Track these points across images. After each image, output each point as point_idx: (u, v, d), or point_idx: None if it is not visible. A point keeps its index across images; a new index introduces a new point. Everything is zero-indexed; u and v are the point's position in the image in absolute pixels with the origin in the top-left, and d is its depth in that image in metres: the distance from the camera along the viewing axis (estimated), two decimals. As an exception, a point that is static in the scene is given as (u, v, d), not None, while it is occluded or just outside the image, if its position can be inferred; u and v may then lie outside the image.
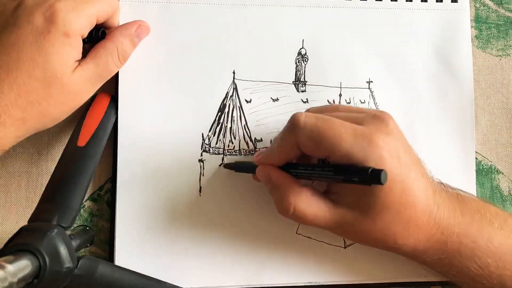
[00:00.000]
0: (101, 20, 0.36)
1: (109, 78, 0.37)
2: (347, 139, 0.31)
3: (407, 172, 0.31)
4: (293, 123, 0.33)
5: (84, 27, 0.34)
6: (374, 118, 0.32)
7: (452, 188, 0.36)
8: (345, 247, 0.40)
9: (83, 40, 0.36)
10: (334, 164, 0.31)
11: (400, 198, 0.31)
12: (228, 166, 0.39)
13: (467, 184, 0.41)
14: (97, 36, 0.37)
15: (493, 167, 0.43)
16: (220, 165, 0.39)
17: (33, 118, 0.33)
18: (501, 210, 0.36)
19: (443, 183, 0.36)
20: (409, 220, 0.32)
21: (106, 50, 0.36)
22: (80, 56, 0.35)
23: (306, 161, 0.35)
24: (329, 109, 0.36)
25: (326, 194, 0.34)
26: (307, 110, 0.37)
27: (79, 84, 0.35)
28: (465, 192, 0.36)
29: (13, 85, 0.32)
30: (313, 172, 0.32)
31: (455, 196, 0.35)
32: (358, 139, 0.31)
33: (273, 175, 0.34)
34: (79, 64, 0.35)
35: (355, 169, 0.29)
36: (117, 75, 0.39)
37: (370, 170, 0.28)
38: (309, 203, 0.33)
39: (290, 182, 0.33)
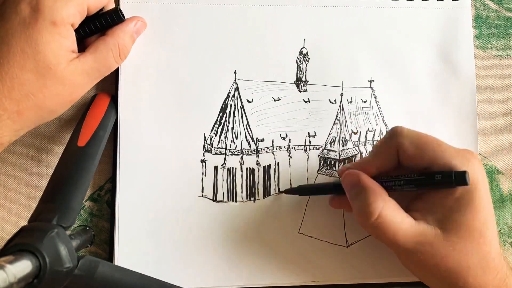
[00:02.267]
0: (93, 9, 0.36)
1: (107, 74, 0.37)
2: (450, 151, 0.32)
3: (488, 205, 0.32)
4: (395, 131, 0.34)
5: (73, 16, 0.34)
6: (462, 149, 0.34)
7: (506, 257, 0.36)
8: (347, 246, 0.40)
9: (106, 22, 0.36)
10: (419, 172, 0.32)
11: (482, 228, 0.31)
12: (290, 192, 0.39)
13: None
14: (118, 16, 0.36)
15: (493, 167, 0.43)
16: (280, 192, 0.39)
17: (29, 111, 0.33)
18: None
19: None
20: (484, 257, 0.31)
21: (106, 45, 0.36)
22: (75, 46, 0.35)
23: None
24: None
25: (407, 210, 0.33)
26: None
27: (75, 76, 0.34)
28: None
29: (5, 78, 0.32)
30: (398, 180, 0.33)
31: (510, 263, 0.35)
32: (460, 154, 0.32)
33: (363, 178, 0.33)
34: (77, 56, 0.35)
35: (440, 172, 0.31)
36: (117, 75, 0.39)
37: (455, 172, 0.31)
38: (394, 212, 0.32)
39: (380, 188, 0.33)
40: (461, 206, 0.31)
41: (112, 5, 0.38)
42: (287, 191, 0.39)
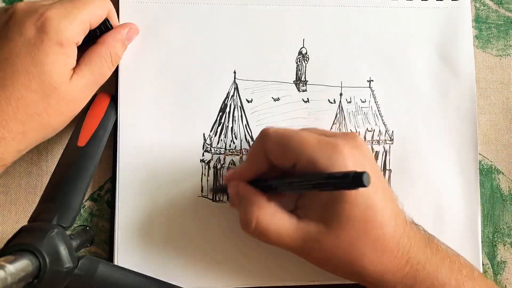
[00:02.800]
0: (94, 25, 0.36)
1: (103, 82, 0.37)
2: (313, 144, 0.31)
3: (373, 189, 0.31)
4: (262, 133, 0.33)
5: (78, 34, 0.34)
6: (343, 134, 0.33)
7: (424, 230, 0.35)
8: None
9: (94, 33, 0.36)
10: (316, 172, 0.30)
11: (365, 213, 0.30)
12: (215, 191, 0.39)
13: (470, 183, 0.41)
14: (106, 27, 0.37)
15: (493, 167, 0.43)
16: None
17: (33, 131, 0.33)
18: (469, 262, 0.35)
19: (415, 223, 0.35)
20: (376, 241, 0.31)
21: (99, 55, 0.36)
22: (75, 63, 0.35)
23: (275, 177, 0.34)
24: (304, 129, 0.35)
25: (292, 212, 0.33)
26: None
27: (76, 92, 0.34)
28: (437, 238, 0.35)
29: (10, 99, 0.32)
30: (286, 182, 0.31)
31: (427, 236, 0.34)
32: (322, 146, 0.30)
33: (240, 188, 0.34)
34: (74, 71, 0.35)
35: (336, 174, 0.29)
36: (117, 75, 0.39)
37: (352, 173, 0.27)
38: (272, 217, 0.32)
39: (256, 195, 0.33)
40: (337, 197, 0.30)
41: (115, 16, 0.38)
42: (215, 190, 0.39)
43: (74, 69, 0.35)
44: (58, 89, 0.33)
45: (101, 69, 0.36)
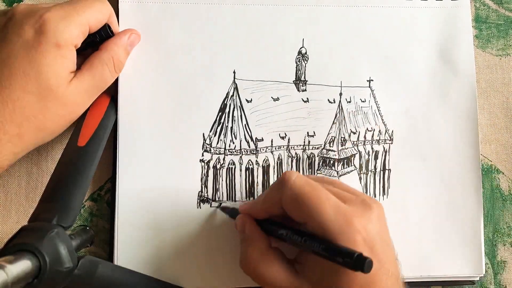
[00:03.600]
0: (94, 29, 0.36)
1: (105, 88, 0.37)
2: (327, 211, 0.30)
3: (377, 266, 0.30)
4: (283, 180, 0.32)
5: (76, 37, 0.34)
6: (362, 203, 0.32)
7: None
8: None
9: (94, 38, 0.35)
10: (323, 239, 0.30)
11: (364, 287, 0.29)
12: (222, 209, 0.39)
13: (472, 182, 0.41)
14: (106, 32, 0.36)
15: (493, 167, 0.43)
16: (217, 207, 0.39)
17: (30, 133, 0.33)
18: None
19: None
20: None
21: (101, 61, 0.36)
22: (74, 67, 0.35)
23: (289, 223, 0.33)
24: (325, 180, 0.35)
25: (291, 262, 0.33)
26: (306, 175, 0.36)
27: (75, 95, 0.34)
28: None
29: (7, 101, 0.32)
30: (291, 237, 0.31)
31: None
32: (338, 215, 0.30)
33: (247, 227, 0.34)
34: (75, 75, 0.34)
35: (342, 248, 0.28)
36: (117, 75, 0.39)
37: (356, 255, 0.27)
38: (271, 267, 0.32)
39: (260, 239, 0.33)
40: (337, 269, 0.29)
41: (115, 20, 0.38)
42: (222, 209, 0.39)
43: (75, 73, 0.35)
44: (55, 91, 0.33)
45: (102, 74, 0.36)
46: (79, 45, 0.35)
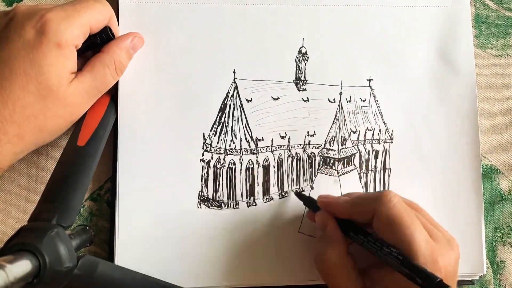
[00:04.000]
0: (94, 30, 0.36)
1: (106, 90, 0.37)
2: (420, 243, 0.31)
3: None
4: (383, 198, 0.33)
5: (77, 37, 0.34)
6: (448, 242, 0.33)
7: None
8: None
9: (95, 40, 0.36)
10: (408, 256, 0.31)
11: None
12: (298, 195, 0.39)
13: (473, 182, 0.41)
14: (107, 35, 0.37)
15: (493, 167, 0.43)
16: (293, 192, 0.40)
17: (30, 134, 0.33)
18: None
19: None
20: None
21: (103, 63, 0.36)
22: (75, 67, 0.35)
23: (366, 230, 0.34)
24: (415, 207, 0.36)
25: (361, 272, 0.34)
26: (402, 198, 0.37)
27: (75, 96, 0.34)
28: None
29: (7, 101, 0.32)
30: (374, 246, 0.32)
31: None
32: (427, 250, 0.31)
33: (330, 228, 0.34)
34: (75, 76, 0.35)
35: (424, 270, 0.30)
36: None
37: (438, 280, 0.29)
38: (345, 269, 0.33)
39: (341, 243, 0.34)
40: None
41: (115, 22, 0.38)
42: (296, 193, 0.39)
43: (76, 74, 0.35)
44: (56, 91, 0.33)
45: (103, 76, 0.36)
46: (79, 46, 0.35)
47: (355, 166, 0.41)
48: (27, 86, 0.32)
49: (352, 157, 0.41)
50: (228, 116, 0.40)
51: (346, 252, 0.34)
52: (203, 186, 0.39)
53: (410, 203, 0.36)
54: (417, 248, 0.31)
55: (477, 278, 0.41)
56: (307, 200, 0.38)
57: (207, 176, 0.39)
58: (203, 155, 0.40)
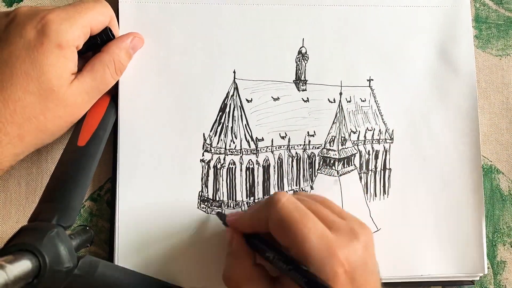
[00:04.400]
0: (95, 30, 0.36)
1: (106, 90, 0.37)
2: (312, 240, 0.30)
3: None
4: (272, 201, 0.32)
5: (78, 38, 0.34)
6: (350, 231, 0.31)
7: None
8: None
9: (95, 40, 0.36)
10: (306, 272, 0.30)
11: None
12: (218, 214, 0.38)
13: (473, 182, 0.41)
14: (108, 35, 0.37)
15: (493, 167, 0.43)
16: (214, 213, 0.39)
17: (30, 134, 0.33)
18: None
19: None
20: None
21: (102, 63, 0.36)
22: (76, 68, 0.35)
23: (275, 241, 0.33)
24: (318, 199, 0.35)
25: (275, 281, 0.33)
26: (297, 194, 0.36)
27: (76, 96, 0.34)
28: None
29: (8, 101, 0.32)
30: (277, 262, 0.31)
31: None
32: (321, 245, 0.30)
33: (234, 243, 0.34)
34: (75, 77, 0.35)
35: (322, 285, 0.29)
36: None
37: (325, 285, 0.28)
38: (254, 283, 0.32)
39: (245, 256, 0.33)
40: None
41: (116, 23, 0.38)
42: (217, 214, 0.38)
43: (76, 75, 0.35)
44: (57, 92, 0.33)
45: (103, 76, 0.36)
46: (80, 47, 0.35)
47: (355, 166, 0.41)
48: (27, 86, 0.32)
49: (352, 157, 0.41)
50: (228, 116, 0.40)
51: (252, 265, 0.33)
52: (203, 186, 0.39)
53: (310, 196, 0.35)
54: (310, 246, 0.29)
55: (477, 278, 0.41)
56: (221, 218, 0.37)
57: (207, 176, 0.39)
58: (203, 155, 0.40)
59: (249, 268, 0.33)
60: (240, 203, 0.40)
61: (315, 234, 0.30)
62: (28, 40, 0.32)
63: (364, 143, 0.42)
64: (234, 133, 0.40)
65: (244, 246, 0.34)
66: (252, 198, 0.40)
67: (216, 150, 0.40)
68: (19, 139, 0.33)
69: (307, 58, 0.41)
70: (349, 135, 0.41)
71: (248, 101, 0.40)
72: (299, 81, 0.41)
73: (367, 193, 0.41)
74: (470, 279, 0.41)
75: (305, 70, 0.41)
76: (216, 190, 0.39)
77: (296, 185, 0.40)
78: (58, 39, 0.33)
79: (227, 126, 0.40)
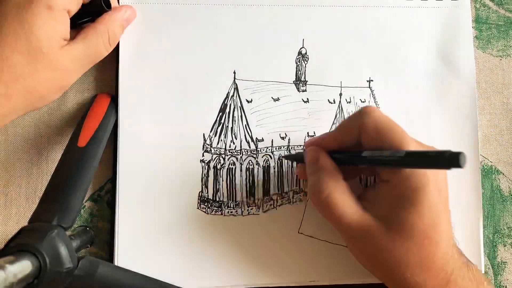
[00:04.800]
0: None
1: (97, 61, 0.37)
2: (411, 142, 0.31)
3: (442, 209, 0.31)
4: (365, 110, 0.33)
5: (69, 2, 0.34)
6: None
7: (464, 255, 0.35)
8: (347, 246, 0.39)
9: (90, 8, 0.36)
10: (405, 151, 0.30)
11: (428, 229, 0.31)
12: (286, 157, 0.40)
13: (472, 183, 0.41)
14: (103, 6, 0.36)
15: (493, 167, 0.43)
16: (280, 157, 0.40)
17: (18, 95, 0.33)
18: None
19: (458, 247, 0.35)
20: (426, 257, 0.31)
21: (96, 32, 0.36)
22: (67, 33, 0.35)
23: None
24: None
25: (360, 200, 0.34)
26: None
27: (67, 61, 0.34)
28: (473, 264, 0.35)
29: None
30: (376, 156, 0.31)
31: (466, 262, 0.34)
32: (419, 148, 0.31)
33: (322, 158, 0.34)
34: (68, 43, 0.35)
35: (431, 152, 0.28)
36: (117, 75, 0.39)
37: (449, 152, 0.26)
38: (344, 195, 0.33)
39: (335, 170, 0.34)
40: (406, 204, 0.31)
41: None
42: (285, 157, 0.39)
43: (69, 41, 0.35)
44: (46, 54, 0.33)
45: (96, 46, 0.36)
46: (72, 12, 0.35)
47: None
48: (16, 45, 0.32)
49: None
50: (228, 117, 0.40)
51: (342, 178, 0.33)
52: (203, 186, 0.39)
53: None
54: (409, 147, 0.31)
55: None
56: (295, 157, 0.38)
57: (207, 176, 0.40)
58: (203, 155, 0.40)
59: (341, 181, 0.33)
60: (240, 203, 0.40)
61: (412, 139, 0.32)
62: (19, 0, 0.32)
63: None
64: (234, 134, 0.40)
65: (332, 161, 0.34)
66: (252, 199, 0.40)
67: (216, 150, 0.40)
68: (5, 99, 0.32)
69: (307, 59, 0.41)
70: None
71: (248, 101, 0.40)
72: (299, 81, 0.41)
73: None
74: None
75: (305, 70, 0.41)
76: (216, 190, 0.39)
77: (296, 186, 0.40)
78: (48, 1, 0.33)
79: (227, 126, 0.40)
